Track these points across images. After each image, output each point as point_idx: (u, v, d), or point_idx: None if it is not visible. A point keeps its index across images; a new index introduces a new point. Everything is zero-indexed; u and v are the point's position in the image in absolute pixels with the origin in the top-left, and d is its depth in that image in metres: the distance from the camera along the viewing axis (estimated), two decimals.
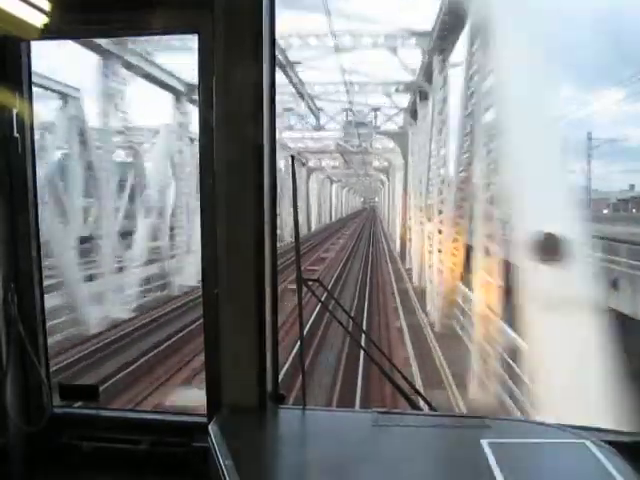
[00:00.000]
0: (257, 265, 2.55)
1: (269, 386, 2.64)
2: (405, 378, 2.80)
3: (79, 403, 3.05)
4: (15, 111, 2.71)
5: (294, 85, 27.83)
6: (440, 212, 20.33)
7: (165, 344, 16.71)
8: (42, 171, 17.06)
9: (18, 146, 2.73)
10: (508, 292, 10.77)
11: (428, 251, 23.38)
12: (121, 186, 23.98)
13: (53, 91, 18.83)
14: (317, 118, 35.36)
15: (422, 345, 17.16)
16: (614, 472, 2.02)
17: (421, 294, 23.86)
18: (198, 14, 2.50)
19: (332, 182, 78.74)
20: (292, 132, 36.83)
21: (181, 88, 24.41)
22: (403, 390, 2.66)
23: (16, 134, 2.72)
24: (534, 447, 2.31)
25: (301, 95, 30.12)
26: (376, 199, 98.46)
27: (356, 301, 24.55)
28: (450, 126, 19.40)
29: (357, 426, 2.60)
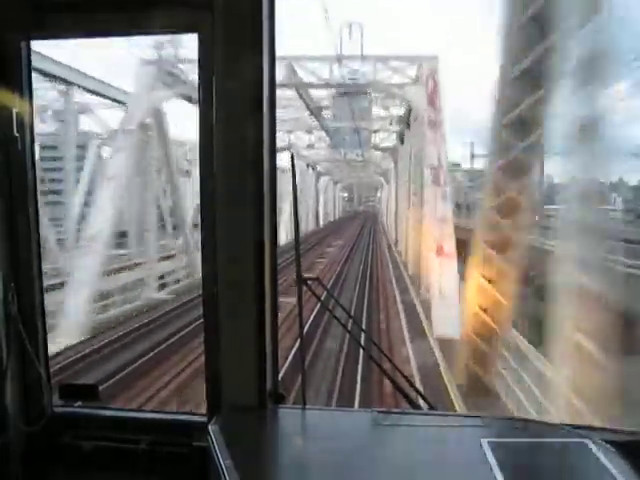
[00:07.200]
0: (257, 264, 2.54)
1: (269, 385, 2.63)
2: (405, 377, 2.81)
3: (79, 402, 3.03)
4: (15, 110, 2.69)
5: (317, 119, 40.24)
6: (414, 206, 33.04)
7: None
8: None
9: (18, 145, 2.71)
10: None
11: (408, 232, 36.22)
12: None
13: None
14: (331, 139, 47.80)
15: (401, 280, 30.35)
16: (614, 472, 2.01)
17: (405, 261, 36.84)
18: (197, 14, 2.49)
19: (336, 183, 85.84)
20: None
21: None
22: (403, 389, 2.69)
23: (16, 133, 2.70)
24: (534, 446, 2.29)
25: (322, 125, 42.51)
26: (378, 194, 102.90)
27: (362, 264, 37.92)
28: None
29: (357, 425, 2.59)
